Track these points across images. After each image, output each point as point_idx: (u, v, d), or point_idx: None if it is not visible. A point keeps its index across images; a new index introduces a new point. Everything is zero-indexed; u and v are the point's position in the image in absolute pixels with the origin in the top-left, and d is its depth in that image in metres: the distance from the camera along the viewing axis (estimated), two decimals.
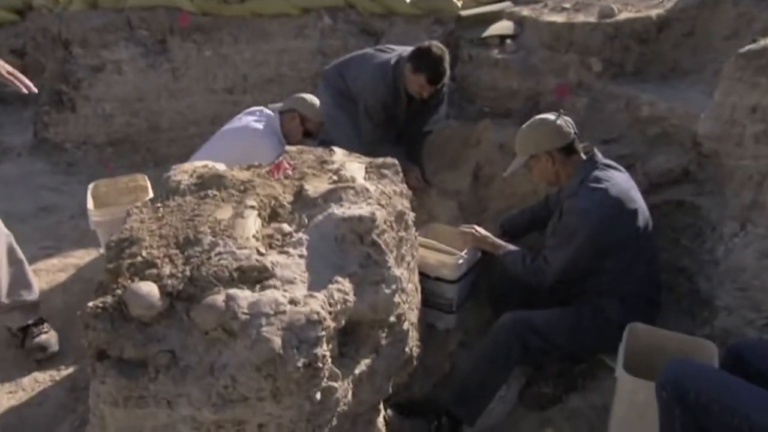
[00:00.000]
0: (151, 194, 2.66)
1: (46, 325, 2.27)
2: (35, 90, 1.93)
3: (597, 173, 2.01)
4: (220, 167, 2.10)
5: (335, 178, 1.95)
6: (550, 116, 2.14)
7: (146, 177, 2.82)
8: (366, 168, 2.10)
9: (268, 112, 3.29)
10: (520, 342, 2.01)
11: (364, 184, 1.90)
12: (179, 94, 4.08)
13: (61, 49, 4.12)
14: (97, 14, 4.12)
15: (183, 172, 1.95)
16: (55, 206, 3.36)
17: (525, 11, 3.56)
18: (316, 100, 3.30)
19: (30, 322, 2.23)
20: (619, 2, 3.26)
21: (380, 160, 2.16)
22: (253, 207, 1.73)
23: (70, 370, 2.16)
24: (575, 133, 2.11)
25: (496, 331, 2.05)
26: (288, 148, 2.26)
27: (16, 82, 1.93)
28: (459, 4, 3.96)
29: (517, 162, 2.24)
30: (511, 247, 2.30)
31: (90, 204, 2.55)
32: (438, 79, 3.01)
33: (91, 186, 2.71)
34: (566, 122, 2.10)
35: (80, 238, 2.96)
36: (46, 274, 2.55)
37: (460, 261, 2.35)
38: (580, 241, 1.97)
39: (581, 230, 1.96)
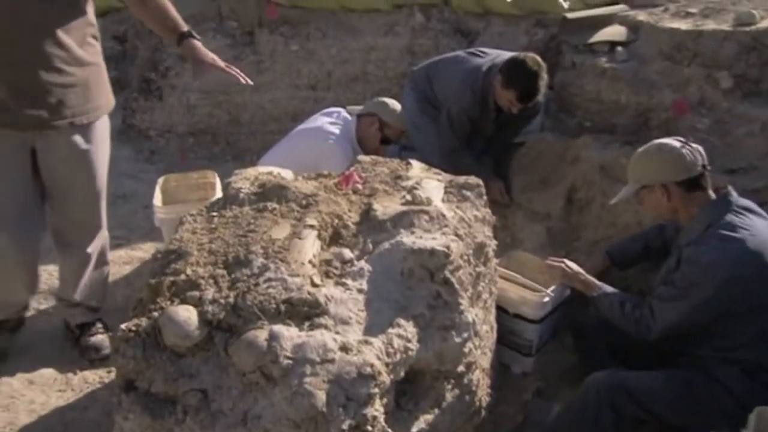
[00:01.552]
0: (219, 192, 2.55)
1: (102, 325, 2.22)
2: (251, 82, 2.00)
3: (731, 218, 1.65)
4: (286, 175, 1.93)
5: (408, 197, 1.72)
6: (674, 142, 1.79)
7: (216, 174, 2.72)
8: (445, 187, 1.85)
9: (345, 114, 3.11)
10: (612, 408, 1.69)
11: (440, 208, 1.65)
12: (263, 88, 3.99)
13: (155, 37, 4.16)
14: (192, 3, 4.11)
15: (244, 179, 1.79)
16: (132, 194, 3.37)
17: (642, 16, 3.15)
18: (398, 106, 3.09)
19: (89, 320, 2.18)
20: (762, 7, 2.79)
21: (462, 179, 1.90)
22: (312, 226, 1.53)
23: None
24: (704, 166, 1.75)
25: (585, 393, 1.74)
26: (360, 158, 2.06)
27: (234, 73, 1.98)
28: (565, 5, 3.60)
29: (627, 190, 1.91)
30: (608, 288, 1.98)
31: (157, 199, 2.48)
32: (530, 98, 2.71)
33: (161, 180, 2.65)
34: (693, 152, 1.75)
35: (150, 231, 2.92)
36: (112, 266, 2.49)
37: (545, 299, 2.05)
38: (701, 299, 1.63)
39: (704, 286, 1.61)
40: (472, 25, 3.90)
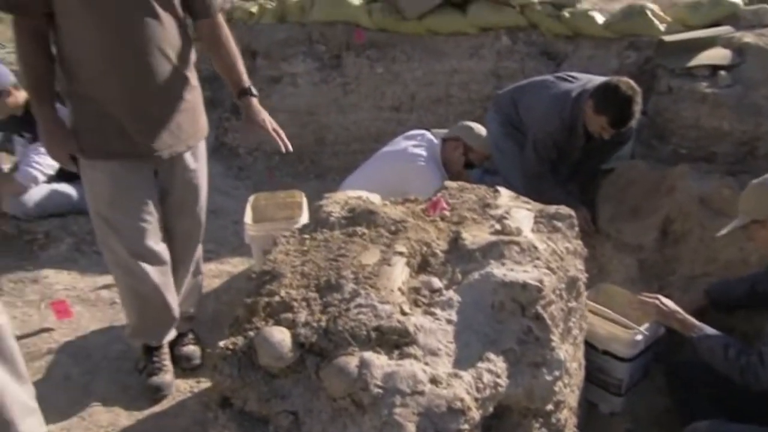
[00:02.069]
0: (305, 212, 2.63)
1: (194, 336, 2.32)
2: (291, 148, 2.02)
3: None
4: (375, 199, 1.95)
5: (498, 227, 1.69)
6: None
7: (303, 194, 2.80)
8: (535, 217, 1.81)
9: (430, 137, 3.13)
10: None
11: (531, 239, 1.62)
12: (348, 109, 4.10)
13: (249, 59, 4.37)
14: (283, 28, 4.30)
15: (335, 203, 1.83)
16: (222, 210, 3.53)
17: (749, 37, 2.97)
18: (483, 131, 3.07)
19: (184, 330, 2.29)
20: None
21: (553, 208, 1.86)
22: (402, 253, 1.54)
23: (209, 383, 2.17)
24: None
25: None
26: (447, 183, 2.05)
27: (277, 138, 2.02)
28: (662, 27, 3.46)
29: (735, 223, 1.79)
30: (709, 329, 1.85)
31: (248, 217, 2.58)
32: (622, 124, 2.61)
33: (251, 198, 2.76)
34: None
35: (239, 246, 3.04)
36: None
37: (638, 337, 1.95)
38: None
39: None
40: (560, 47, 3.83)
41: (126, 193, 1.88)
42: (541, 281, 1.43)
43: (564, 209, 1.85)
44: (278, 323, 1.37)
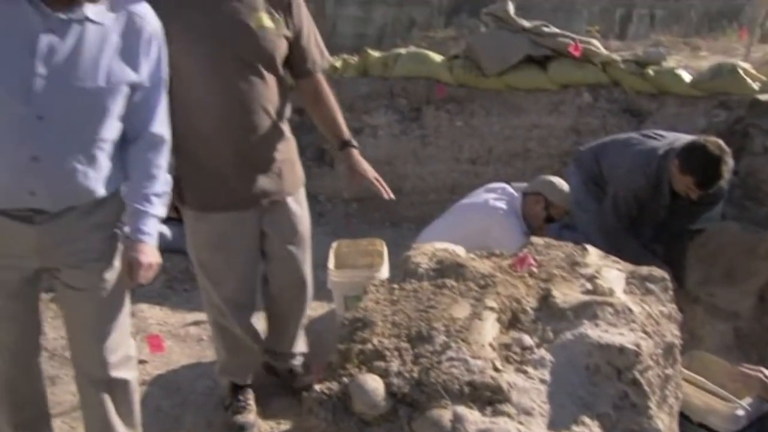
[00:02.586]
0: (386, 260, 2.68)
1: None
2: (392, 196, 2.12)
3: None
4: (460, 251, 1.98)
5: (589, 286, 1.67)
6: None
7: (383, 243, 2.87)
8: (627, 278, 1.78)
9: (511, 190, 3.14)
10: None
11: (625, 301, 1.59)
12: (425, 161, 4.19)
13: None
14: (366, 81, 4.50)
15: (422, 255, 1.87)
16: None
17: None
18: (565, 186, 3.06)
19: (299, 369, 2.38)
20: None
21: (645, 270, 1.81)
22: (492, 309, 1.55)
23: (289, 425, 2.22)
24: None
25: None
26: (533, 239, 2.05)
27: (380, 187, 2.12)
28: (755, 86, 3.37)
29: None
30: None
31: (331, 263, 2.66)
32: (710, 185, 2.54)
33: (334, 245, 2.85)
34: None
35: (318, 289, 3.12)
36: None
37: (739, 411, 1.84)
38: None
39: None
40: (643, 105, 3.80)
41: (227, 245, 1.97)
42: (638, 345, 1.40)
43: (657, 271, 1.80)
44: (371, 371, 1.40)
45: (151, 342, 2.43)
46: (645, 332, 1.49)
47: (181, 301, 2.94)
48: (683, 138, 2.76)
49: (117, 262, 1.65)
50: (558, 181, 3.08)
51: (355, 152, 2.09)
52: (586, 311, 1.54)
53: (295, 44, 1.96)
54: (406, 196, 4.26)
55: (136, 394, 1.76)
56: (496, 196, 3.11)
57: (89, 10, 1.37)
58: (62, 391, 2.33)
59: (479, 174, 4.05)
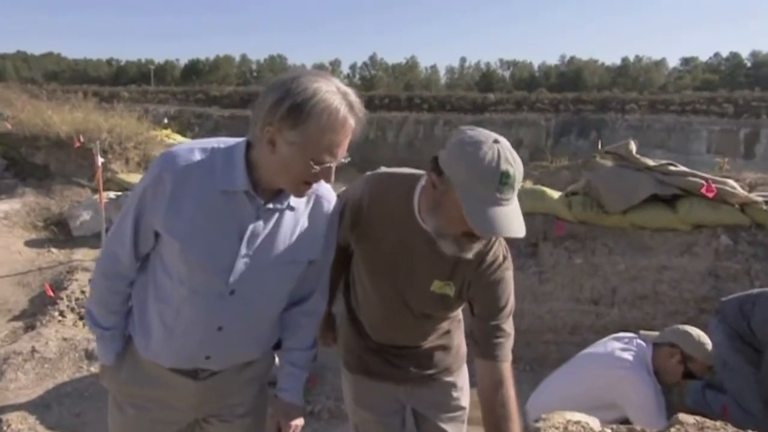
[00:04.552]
0: None
1: None
2: None
3: None
4: (594, 424, 1.79)
5: None
6: None
7: None
8: None
9: (639, 341, 2.87)
10: None
11: None
12: (542, 298, 4.01)
13: None
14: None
15: (553, 428, 1.71)
16: None
17: None
18: (706, 339, 2.74)
19: None
20: None
21: None
22: None
23: None
24: None
25: None
26: (681, 417, 1.81)
27: None
28: None
29: None
30: None
31: None
32: None
33: None
34: None
35: None
36: None
37: None
38: None
39: None
40: None
41: (369, 412, 1.90)
42: None
43: None
44: None
45: None
46: None
47: None
48: None
49: (261, 416, 1.69)
50: (696, 331, 2.77)
51: None
52: None
53: (481, 321, 1.62)
54: (522, 335, 4.03)
55: None
56: (623, 347, 2.84)
57: (293, 200, 1.48)
58: None
59: (601, 315, 3.78)
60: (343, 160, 1.39)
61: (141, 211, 1.43)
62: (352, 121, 1.34)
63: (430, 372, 1.86)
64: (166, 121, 10.97)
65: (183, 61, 69.14)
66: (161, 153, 1.48)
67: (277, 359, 1.76)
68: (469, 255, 1.50)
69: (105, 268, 1.51)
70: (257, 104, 1.37)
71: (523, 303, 4.05)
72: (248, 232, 1.43)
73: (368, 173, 1.74)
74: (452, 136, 1.47)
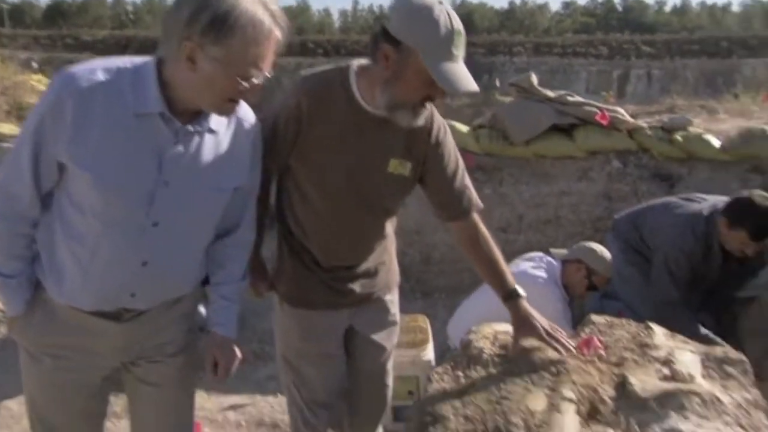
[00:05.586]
0: (430, 338, 2.60)
1: None
2: (574, 350, 1.68)
3: None
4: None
5: (666, 372, 1.58)
6: None
7: (426, 319, 2.79)
8: (702, 361, 1.69)
9: (549, 259, 3.08)
10: None
11: (711, 389, 1.50)
12: None
13: None
14: None
15: (484, 339, 1.80)
16: None
17: None
18: (607, 253, 2.99)
19: None
20: None
21: (720, 351, 1.73)
22: (570, 400, 1.47)
23: None
24: None
25: None
26: (594, 318, 1.97)
27: (556, 345, 1.69)
28: None
29: None
30: None
31: None
32: (765, 234, 2.48)
33: None
34: None
35: None
36: None
37: None
38: None
39: None
40: (673, 169, 3.81)
41: (315, 345, 1.86)
42: None
43: (733, 352, 1.72)
44: None
45: None
46: (740, 425, 1.39)
47: (216, 384, 2.84)
48: (724, 199, 2.73)
49: (194, 355, 1.61)
50: (599, 248, 3.02)
51: (523, 303, 1.83)
52: (670, 401, 1.45)
53: (444, 187, 1.77)
54: (436, 265, 4.22)
55: None
56: (535, 265, 3.04)
57: (213, 122, 1.38)
58: None
59: (510, 242, 4.01)
60: (268, 75, 1.32)
61: (39, 141, 1.28)
62: (277, 32, 1.27)
63: (373, 290, 1.89)
64: (35, 65, 9.83)
65: (44, 0, 61.65)
66: (56, 74, 1.31)
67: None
68: (421, 121, 1.59)
69: (2, 209, 1.34)
70: (169, 18, 1.25)
71: (436, 234, 4.18)
72: (166, 158, 1.32)
73: (296, 79, 1.68)
74: (392, 6, 1.51)
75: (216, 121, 1.39)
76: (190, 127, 1.34)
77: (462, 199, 1.79)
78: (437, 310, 3.82)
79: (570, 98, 4.01)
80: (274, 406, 2.64)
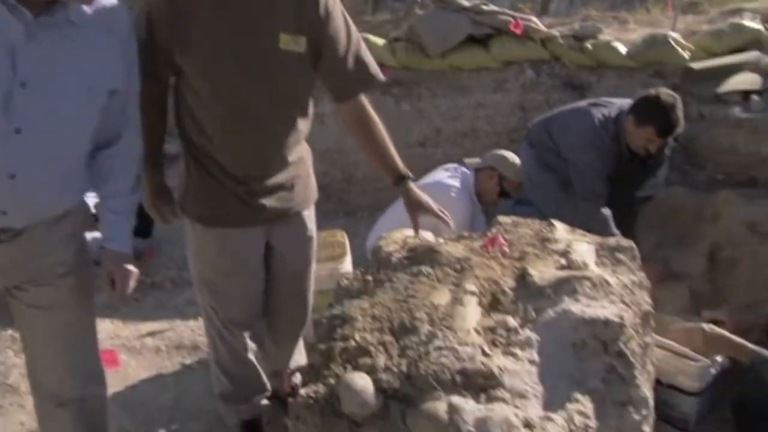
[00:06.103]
0: (348, 251, 2.62)
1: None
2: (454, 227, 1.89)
3: None
4: (428, 236, 1.94)
5: (563, 262, 1.67)
6: None
7: (345, 234, 2.79)
8: (596, 250, 1.79)
9: (464, 169, 3.13)
10: None
11: (601, 274, 1.60)
12: None
13: None
14: None
15: (393, 243, 1.83)
16: None
17: None
18: (517, 159, 3.07)
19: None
20: None
21: (613, 241, 1.84)
22: (472, 293, 1.52)
23: None
24: None
25: None
26: (501, 218, 2.04)
27: (444, 219, 1.87)
28: (686, 55, 3.50)
29: None
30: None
31: None
32: (671, 130, 2.58)
33: None
34: None
35: None
36: None
37: (707, 369, 1.91)
38: None
39: None
40: (583, 78, 3.88)
41: (233, 261, 1.81)
42: (621, 317, 1.41)
43: (624, 241, 1.83)
44: (357, 368, 1.34)
45: (105, 357, 2.25)
46: (624, 303, 1.50)
47: (132, 312, 2.76)
48: (628, 101, 2.81)
49: (86, 275, 1.53)
50: (510, 154, 3.08)
51: (413, 186, 1.89)
52: (564, 287, 1.54)
53: (337, 64, 1.68)
54: (358, 184, 4.20)
55: (107, 410, 1.66)
56: (450, 174, 3.09)
57: (71, 13, 1.23)
58: (10, 422, 2.15)
59: (429, 156, 4.02)
60: None
61: None
62: None
63: (290, 206, 1.84)
64: None
65: None
66: None
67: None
68: None
69: None
70: None
71: (357, 153, 4.12)
72: (20, 55, 1.19)
73: None
74: None
75: (75, 12, 1.25)
76: (42, 18, 1.20)
77: (357, 76, 1.74)
78: (359, 228, 3.83)
79: (485, 7, 3.94)
80: (195, 330, 2.61)
